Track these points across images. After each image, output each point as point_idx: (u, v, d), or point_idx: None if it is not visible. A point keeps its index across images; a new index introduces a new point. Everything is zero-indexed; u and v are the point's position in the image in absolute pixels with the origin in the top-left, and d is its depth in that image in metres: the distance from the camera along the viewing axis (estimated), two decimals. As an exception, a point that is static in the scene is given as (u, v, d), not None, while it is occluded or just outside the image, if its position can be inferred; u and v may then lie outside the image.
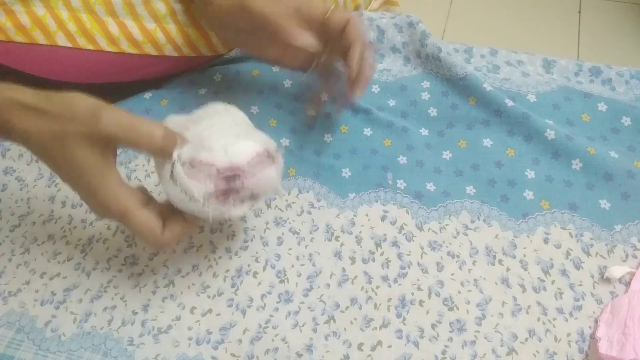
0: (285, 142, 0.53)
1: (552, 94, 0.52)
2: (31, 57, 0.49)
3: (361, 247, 0.46)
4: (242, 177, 0.37)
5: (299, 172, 0.51)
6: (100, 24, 0.51)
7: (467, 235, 0.45)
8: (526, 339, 0.40)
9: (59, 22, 0.49)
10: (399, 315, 0.42)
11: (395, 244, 0.45)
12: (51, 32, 0.49)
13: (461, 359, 0.40)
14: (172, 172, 0.37)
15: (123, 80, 0.54)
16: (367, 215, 0.47)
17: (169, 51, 0.54)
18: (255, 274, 0.45)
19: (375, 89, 0.55)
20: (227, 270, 0.45)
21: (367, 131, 0.52)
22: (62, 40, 0.50)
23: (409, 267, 0.44)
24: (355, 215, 0.47)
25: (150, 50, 0.53)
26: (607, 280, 0.42)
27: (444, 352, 0.40)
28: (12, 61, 0.49)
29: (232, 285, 0.44)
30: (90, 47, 0.51)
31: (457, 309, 0.42)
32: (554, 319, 0.41)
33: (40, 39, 0.49)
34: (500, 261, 0.44)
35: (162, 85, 0.59)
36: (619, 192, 0.46)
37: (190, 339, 0.42)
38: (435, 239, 0.45)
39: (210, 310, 0.43)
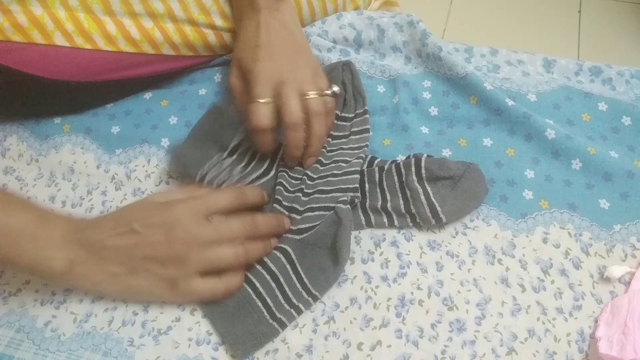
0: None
1: (552, 93, 0.52)
2: (29, 57, 0.49)
3: (360, 247, 0.45)
4: None
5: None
6: (97, 23, 0.51)
7: (466, 234, 0.45)
8: (526, 339, 0.40)
9: (57, 21, 0.49)
10: (398, 315, 0.42)
11: (394, 243, 0.45)
12: (49, 32, 0.49)
13: (461, 358, 0.40)
14: None
15: (121, 77, 0.54)
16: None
17: (166, 50, 0.54)
18: (255, 274, 0.45)
19: (381, 89, 0.55)
20: (227, 270, 0.45)
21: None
22: (59, 40, 0.50)
23: (408, 267, 0.44)
24: (355, 215, 0.47)
25: (147, 49, 0.53)
26: (607, 280, 0.42)
27: (443, 352, 0.40)
28: (10, 60, 0.49)
29: (232, 285, 0.44)
30: (88, 46, 0.51)
31: (457, 308, 0.42)
32: (554, 318, 0.41)
33: (38, 38, 0.49)
34: (499, 261, 0.44)
35: (162, 85, 0.59)
36: (619, 192, 0.46)
37: (190, 339, 0.42)
38: (434, 238, 0.45)
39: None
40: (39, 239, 0.40)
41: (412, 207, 0.45)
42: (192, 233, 0.40)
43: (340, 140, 0.50)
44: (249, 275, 0.43)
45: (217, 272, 0.42)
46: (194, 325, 0.43)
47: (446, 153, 0.50)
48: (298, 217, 0.46)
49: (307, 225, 0.45)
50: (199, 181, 0.47)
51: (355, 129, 0.51)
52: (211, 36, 0.56)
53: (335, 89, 0.50)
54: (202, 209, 0.41)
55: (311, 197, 0.47)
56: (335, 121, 0.51)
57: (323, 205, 0.46)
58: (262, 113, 0.45)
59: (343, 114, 0.51)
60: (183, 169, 0.49)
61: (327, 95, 0.48)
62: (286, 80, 0.46)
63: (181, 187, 0.46)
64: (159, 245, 0.39)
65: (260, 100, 0.46)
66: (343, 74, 0.53)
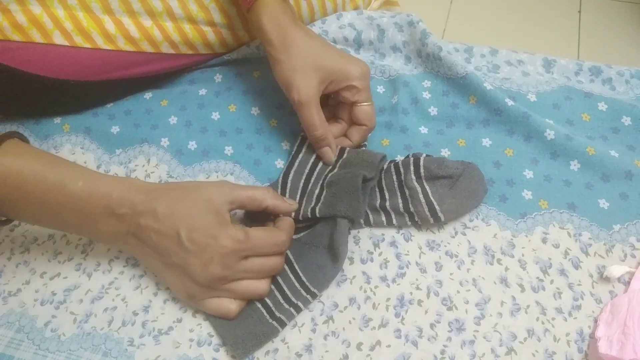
0: (286, 145, 0.53)
1: (552, 93, 0.52)
2: (29, 56, 0.49)
3: (359, 247, 0.45)
4: None
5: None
6: (96, 21, 0.51)
7: (465, 234, 0.45)
8: (525, 339, 0.40)
9: (55, 20, 0.49)
10: (397, 315, 0.42)
11: (393, 243, 0.45)
12: (48, 31, 0.49)
13: (460, 358, 0.40)
14: None
15: (120, 76, 0.54)
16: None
17: (165, 48, 0.54)
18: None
19: (380, 89, 0.55)
20: (227, 270, 0.45)
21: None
22: (58, 39, 0.50)
23: (407, 267, 0.44)
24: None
25: (147, 47, 0.53)
26: (606, 280, 0.42)
27: (442, 352, 0.40)
28: (10, 60, 0.49)
29: (232, 285, 0.44)
30: (87, 45, 0.51)
31: (456, 308, 0.42)
32: (553, 318, 0.41)
33: (37, 37, 0.49)
34: (498, 261, 0.44)
35: (162, 85, 0.59)
36: (618, 192, 0.46)
37: (191, 340, 0.42)
38: (433, 238, 0.45)
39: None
40: (83, 214, 0.41)
41: (410, 206, 0.45)
42: (226, 271, 0.40)
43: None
44: None
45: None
46: (195, 326, 0.43)
47: (445, 153, 0.50)
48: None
49: (303, 225, 0.45)
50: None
51: None
52: (210, 34, 0.56)
53: None
54: (245, 253, 0.41)
55: None
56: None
57: None
58: (375, 115, 0.50)
59: None
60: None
61: None
62: (369, 85, 0.49)
63: (239, 190, 0.43)
64: (193, 266, 0.40)
65: (371, 103, 0.49)
66: None
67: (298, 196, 0.47)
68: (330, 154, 0.48)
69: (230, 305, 0.41)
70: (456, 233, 0.46)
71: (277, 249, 0.42)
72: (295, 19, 0.50)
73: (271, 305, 0.42)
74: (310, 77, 0.47)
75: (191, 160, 0.53)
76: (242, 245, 0.40)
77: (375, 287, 0.43)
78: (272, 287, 0.43)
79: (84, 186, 0.40)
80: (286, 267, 0.43)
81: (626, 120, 0.50)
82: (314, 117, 0.47)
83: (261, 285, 0.41)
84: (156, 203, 0.40)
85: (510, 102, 0.50)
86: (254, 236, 0.40)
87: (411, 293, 0.43)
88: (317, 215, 0.44)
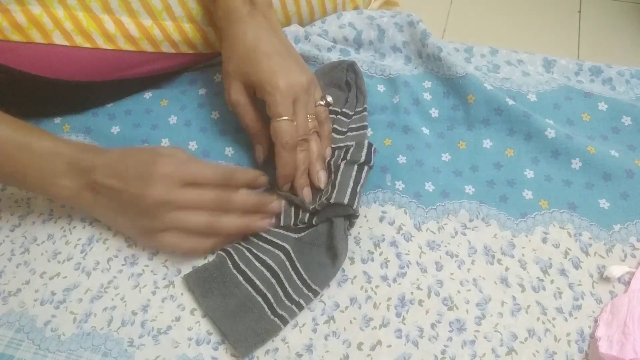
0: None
1: (552, 93, 0.52)
2: (29, 56, 0.49)
3: (360, 247, 0.45)
4: None
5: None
6: (96, 21, 0.51)
7: (465, 234, 0.45)
8: (526, 339, 0.40)
9: (55, 20, 0.49)
10: (398, 315, 0.42)
11: (393, 244, 0.45)
12: (48, 31, 0.49)
13: (461, 358, 0.40)
14: None
15: (121, 77, 0.54)
16: (365, 216, 0.47)
17: (165, 48, 0.54)
18: (254, 273, 0.45)
19: (381, 88, 0.55)
20: (227, 270, 0.45)
21: (368, 131, 0.52)
22: (59, 39, 0.50)
23: (408, 267, 0.44)
24: (354, 215, 0.47)
25: (147, 47, 0.53)
26: (607, 280, 0.42)
27: (443, 352, 0.40)
28: (10, 60, 0.49)
29: (232, 285, 0.44)
30: (87, 45, 0.51)
31: (457, 308, 0.42)
32: (554, 318, 0.41)
33: (37, 37, 0.49)
34: (499, 261, 0.44)
35: (162, 85, 0.59)
36: (618, 192, 0.46)
37: (190, 339, 0.42)
38: (433, 238, 0.45)
39: (210, 310, 0.43)
40: (47, 170, 0.44)
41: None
42: (163, 193, 0.42)
43: (339, 137, 0.51)
44: (249, 273, 0.43)
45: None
46: (194, 324, 0.43)
47: (445, 157, 0.50)
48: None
49: (304, 225, 0.46)
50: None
51: (353, 126, 0.51)
52: (211, 33, 0.56)
53: (329, 99, 0.50)
54: (184, 175, 0.43)
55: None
56: (338, 116, 0.51)
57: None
58: (291, 131, 0.45)
59: (344, 110, 0.52)
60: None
61: (320, 105, 0.49)
62: (300, 97, 0.46)
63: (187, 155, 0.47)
64: (136, 196, 0.43)
65: (286, 118, 0.44)
66: (347, 74, 0.53)
67: (293, 207, 0.47)
68: (260, 152, 0.49)
69: (182, 242, 0.44)
70: (456, 233, 0.46)
71: (218, 174, 0.44)
72: (256, 7, 0.49)
73: (272, 301, 0.42)
74: (238, 83, 0.47)
75: (191, 160, 0.53)
76: (181, 166, 0.43)
77: (376, 286, 0.43)
78: (273, 281, 0.43)
79: (50, 145, 0.45)
80: (287, 263, 0.44)
81: (626, 120, 0.50)
82: (244, 118, 0.48)
83: (199, 217, 0.43)
84: (109, 157, 0.45)
85: (510, 102, 0.50)
86: (200, 161, 0.45)
87: (412, 293, 0.43)
88: (314, 223, 0.45)
